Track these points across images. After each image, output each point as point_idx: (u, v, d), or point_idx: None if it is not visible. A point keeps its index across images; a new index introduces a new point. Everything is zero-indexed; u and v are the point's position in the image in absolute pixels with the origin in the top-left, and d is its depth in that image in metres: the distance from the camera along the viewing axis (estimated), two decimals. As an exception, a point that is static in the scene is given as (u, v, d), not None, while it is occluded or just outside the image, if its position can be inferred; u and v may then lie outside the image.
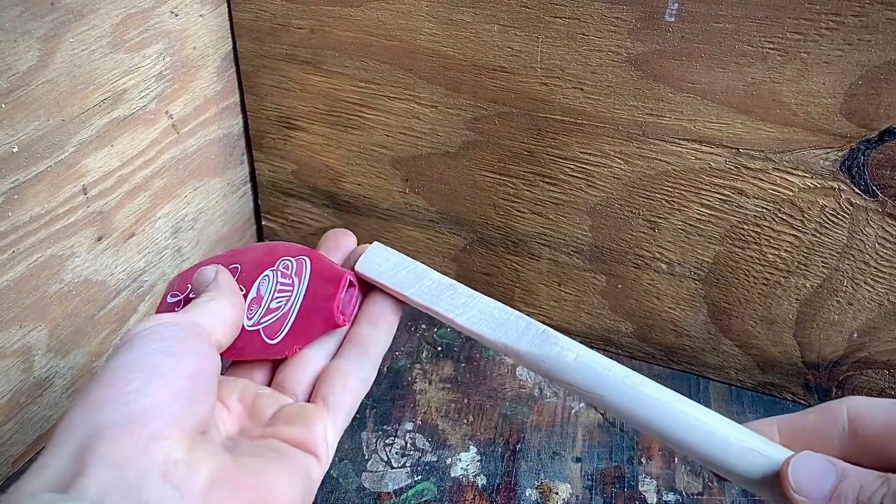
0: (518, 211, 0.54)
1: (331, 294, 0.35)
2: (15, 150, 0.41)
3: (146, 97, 0.50)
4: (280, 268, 0.38)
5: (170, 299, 0.38)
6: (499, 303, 0.35)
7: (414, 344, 0.57)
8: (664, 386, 0.31)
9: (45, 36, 0.42)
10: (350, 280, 0.36)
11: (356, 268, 0.36)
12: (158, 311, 0.38)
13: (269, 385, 0.35)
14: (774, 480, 0.28)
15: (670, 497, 0.46)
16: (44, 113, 0.43)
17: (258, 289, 0.37)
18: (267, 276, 0.37)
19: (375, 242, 0.37)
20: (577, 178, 0.50)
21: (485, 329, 0.34)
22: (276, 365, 0.36)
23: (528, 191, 0.53)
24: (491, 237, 0.56)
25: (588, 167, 0.50)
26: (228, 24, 0.56)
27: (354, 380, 0.34)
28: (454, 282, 0.35)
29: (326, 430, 0.31)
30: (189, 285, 0.38)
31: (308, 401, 0.34)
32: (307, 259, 0.37)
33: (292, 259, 0.38)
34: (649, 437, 0.50)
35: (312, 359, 0.35)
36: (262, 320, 0.36)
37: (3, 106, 0.40)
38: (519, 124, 0.50)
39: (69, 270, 0.47)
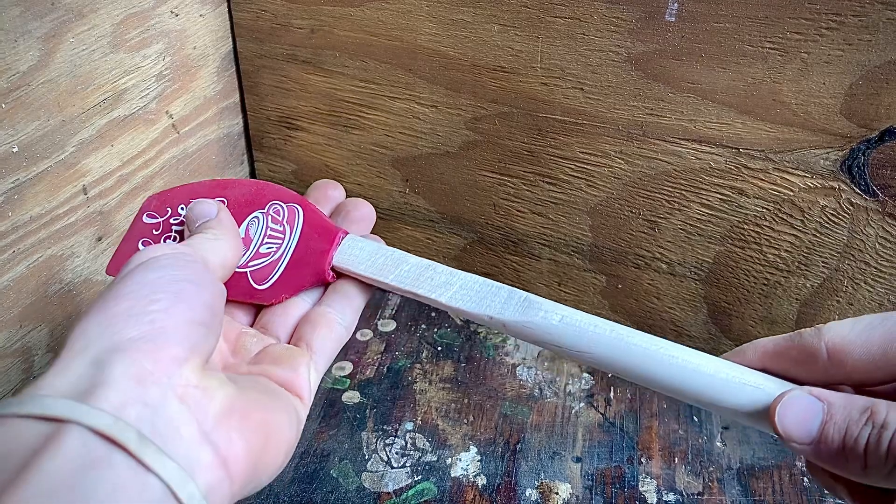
0: (518, 211, 0.54)
1: (324, 249, 0.36)
2: (15, 149, 0.41)
3: (146, 97, 0.50)
4: (270, 212, 0.37)
5: (146, 219, 0.38)
6: (478, 276, 0.35)
7: (414, 344, 0.57)
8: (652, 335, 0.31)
9: (46, 36, 0.42)
10: (342, 237, 0.36)
11: (334, 263, 0.36)
12: (133, 229, 0.38)
13: (251, 325, 0.36)
14: (764, 414, 0.28)
15: (670, 497, 0.46)
16: (44, 113, 0.43)
17: (247, 230, 0.37)
18: (256, 217, 0.37)
19: (349, 234, 0.37)
20: (578, 178, 0.50)
21: (468, 304, 0.34)
22: (258, 306, 0.36)
23: (528, 191, 0.53)
24: (491, 237, 0.56)
25: (588, 167, 0.50)
26: (229, 23, 0.56)
27: (338, 327, 0.34)
28: (432, 262, 0.36)
29: (310, 374, 0.32)
30: (169, 209, 0.37)
31: (289, 343, 0.34)
32: (299, 208, 0.37)
33: (283, 205, 0.37)
34: (649, 437, 0.50)
35: (298, 304, 0.36)
36: (250, 263, 0.36)
37: (4, 106, 0.40)
38: (519, 124, 0.50)
39: (69, 270, 0.47)
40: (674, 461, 0.49)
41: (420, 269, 0.35)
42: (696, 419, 0.51)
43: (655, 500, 0.46)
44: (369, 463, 0.49)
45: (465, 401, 0.53)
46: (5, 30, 0.39)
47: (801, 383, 0.29)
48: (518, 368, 0.55)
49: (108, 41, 0.46)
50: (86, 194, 0.47)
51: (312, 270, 0.36)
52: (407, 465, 0.48)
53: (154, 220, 0.38)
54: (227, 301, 0.35)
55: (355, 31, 0.51)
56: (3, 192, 0.41)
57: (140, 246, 0.37)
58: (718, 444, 0.50)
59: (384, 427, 0.51)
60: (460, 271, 0.35)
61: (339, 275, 0.36)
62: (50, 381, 0.24)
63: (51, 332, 0.47)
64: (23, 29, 0.40)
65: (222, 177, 0.60)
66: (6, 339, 0.44)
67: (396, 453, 0.49)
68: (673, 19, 0.43)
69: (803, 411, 0.27)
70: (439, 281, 0.35)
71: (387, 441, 0.50)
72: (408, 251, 0.38)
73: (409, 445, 0.50)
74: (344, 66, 0.53)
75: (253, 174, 0.63)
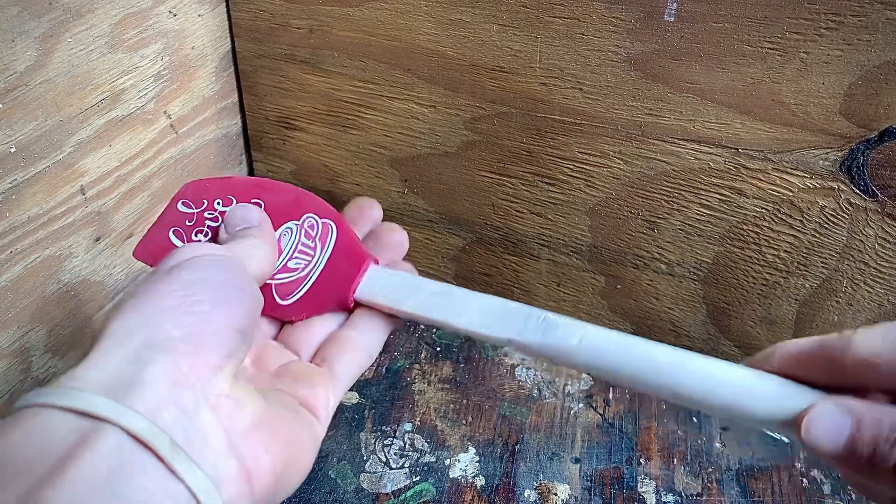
0: (517, 211, 0.54)
1: (350, 276, 0.35)
2: (13, 150, 0.41)
3: (144, 97, 0.50)
4: (305, 225, 0.37)
5: (181, 207, 0.37)
6: (495, 297, 0.34)
7: (413, 344, 0.57)
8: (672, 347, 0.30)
9: (43, 35, 0.41)
10: (369, 264, 0.35)
11: (356, 296, 0.35)
12: (165, 215, 0.37)
13: (274, 338, 0.35)
14: (791, 423, 0.27)
15: (669, 498, 0.46)
16: (42, 113, 0.43)
17: (279, 240, 0.36)
18: (290, 228, 0.37)
19: (371, 266, 0.36)
20: (577, 178, 0.50)
21: (486, 329, 0.33)
22: (282, 320, 0.36)
23: (527, 191, 0.52)
24: (490, 237, 0.56)
25: (587, 167, 0.50)
26: (227, 23, 0.55)
27: (362, 354, 0.34)
28: (449, 286, 0.35)
29: (329, 397, 0.32)
30: (205, 201, 0.37)
31: (312, 362, 0.34)
32: (333, 225, 0.37)
33: (318, 219, 0.37)
34: (648, 438, 0.50)
35: (323, 323, 0.35)
36: (276, 276, 0.35)
37: (1, 106, 0.40)
38: (518, 124, 0.50)
39: (67, 271, 0.47)
40: (673, 462, 0.49)
41: (437, 294, 0.35)
42: (695, 420, 0.51)
43: (654, 500, 0.46)
44: (368, 464, 0.48)
45: (464, 401, 0.53)
46: (3, 30, 0.39)
47: (827, 390, 0.28)
48: (517, 369, 0.55)
49: (106, 41, 0.46)
50: (84, 194, 0.47)
51: (336, 295, 0.35)
52: (405, 465, 0.48)
53: (189, 211, 0.37)
54: None
55: (354, 30, 0.51)
56: (0, 192, 0.41)
57: (171, 235, 0.36)
58: (717, 444, 0.50)
59: (383, 428, 0.51)
60: (478, 293, 0.35)
61: (358, 304, 0.36)
62: (88, 373, 0.24)
63: (48, 332, 0.47)
64: (20, 29, 0.40)
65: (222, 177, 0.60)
66: (4, 340, 0.44)
67: (395, 454, 0.49)
68: (672, 19, 0.43)
69: (832, 424, 0.26)
70: (456, 306, 0.34)
71: (385, 442, 0.50)
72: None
73: (407, 446, 0.50)
74: (342, 66, 0.53)
75: (251, 174, 0.63)
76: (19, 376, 0.46)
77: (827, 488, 0.47)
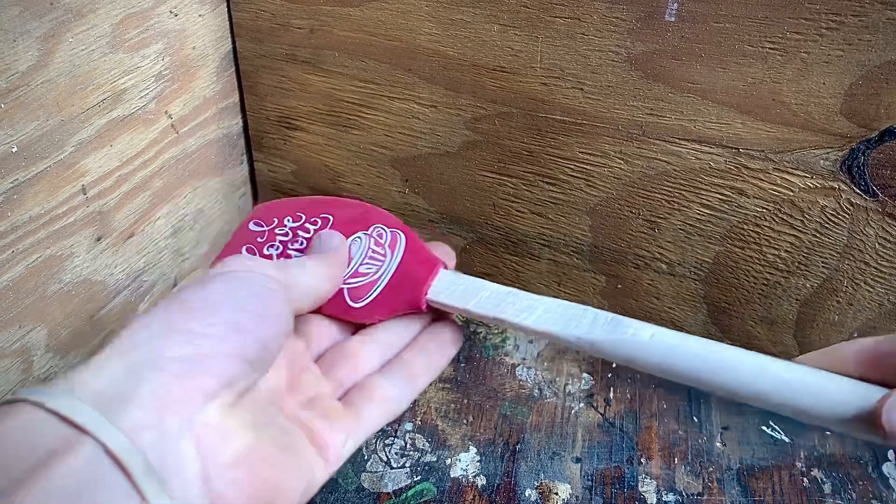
0: (518, 211, 0.54)
1: (422, 278, 0.36)
2: (14, 149, 0.41)
3: (145, 97, 0.50)
4: (374, 234, 0.38)
5: (252, 227, 0.39)
6: (560, 300, 0.35)
7: (414, 344, 0.57)
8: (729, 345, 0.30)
9: (45, 35, 0.41)
10: (440, 268, 0.37)
11: (428, 297, 0.36)
12: (237, 235, 0.39)
13: (324, 352, 0.35)
14: (866, 418, 0.27)
15: (670, 497, 0.46)
16: (43, 113, 0.43)
17: (350, 248, 0.38)
18: (359, 238, 0.38)
19: (440, 269, 0.37)
20: (577, 178, 0.50)
21: (555, 327, 0.33)
22: (354, 326, 0.36)
23: (527, 191, 0.52)
24: (491, 237, 0.56)
25: (588, 167, 0.50)
26: (228, 23, 0.56)
27: (394, 408, 0.35)
28: (512, 289, 0.36)
29: (347, 443, 0.32)
30: (275, 219, 0.39)
31: (348, 393, 0.34)
32: (402, 234, 0.38)
33: (387, 229, 0.39)
34: (649, 437, 0.50)
35: (372, 359, 0.36)
36: (348, 280, 0.36)
37: (3, 106, 0.40)
38: (519, 124, 0.50)
39: (68, 270, 0.47)
40: (673, 461, 0.49)
41: (501, 295, 0.35)
42: (695, 419, 0.51)
43: (655, 500, 0.46)
44: (369, 463, 0.49)
45: (465, 401, 0.53)
46: (4, 30, 0.39)
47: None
48: (518, 368, 0.55)
49: (108, 41, 0.46)
50: (85, 194, 0.47)
51: (409, 297, 0.36)
52: (406, 465, 0.48)
53: (260, 229, 0.39)
54: (325, 315, 0.36)
55: (355, 31, 0.51)
56: (2, 192, 0.41)
57: (244, 252, 0.38)
58: (718, 444, 0.50)
59: (383, 427, 0.51)
60: (541, 296, 0.35)
61: (415, 343, 0.37)
62: (84, 377, 0.24)
63: (50, 332, 0.47)
64: (22, 29, 0.40)
65: (221, 177, 0.60)
66: (5, 340, 0.44)
67: (396, 454, 0.49)
68: (673, 19, 0.43)
69: None
70: (522, 305, 0.35)
71: (386, 441, 0.50)
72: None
73: (408, 446, 0.50)
74: (343, 66, 0.53)
75: (252, 174, 0.63)
76: (20, 376, 0.46)
77: (827, 488, 0.47)
